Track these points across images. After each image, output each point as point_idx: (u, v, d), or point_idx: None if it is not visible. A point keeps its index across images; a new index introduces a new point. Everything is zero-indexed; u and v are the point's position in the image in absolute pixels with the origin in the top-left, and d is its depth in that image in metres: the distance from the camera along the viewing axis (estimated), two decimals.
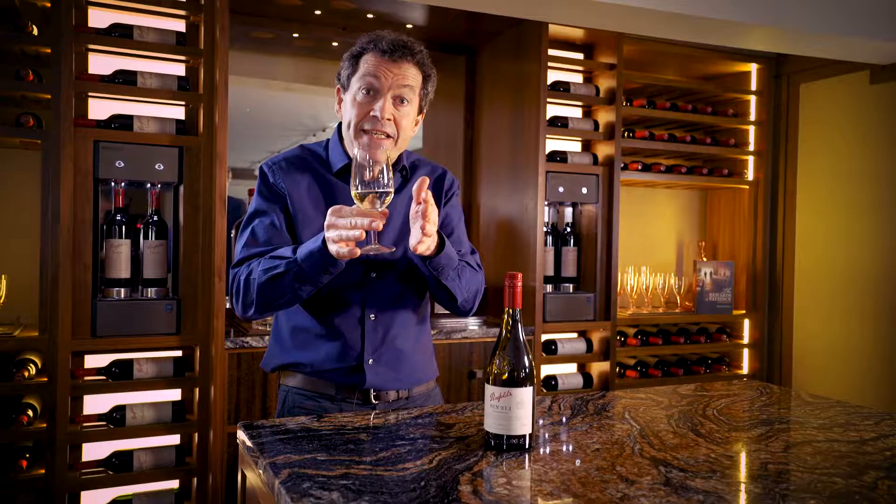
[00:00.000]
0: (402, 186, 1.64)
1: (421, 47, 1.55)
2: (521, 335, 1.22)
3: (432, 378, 1.68)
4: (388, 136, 1.51)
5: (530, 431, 1.20)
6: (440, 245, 1.43)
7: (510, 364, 1.19)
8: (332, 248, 1.32)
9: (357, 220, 1.27)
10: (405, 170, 1.65)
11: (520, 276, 1.24)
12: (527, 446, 1.20)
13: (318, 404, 1.55)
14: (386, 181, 1.30)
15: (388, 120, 1.50)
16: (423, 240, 1.34)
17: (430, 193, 1.34)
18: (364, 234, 1.28)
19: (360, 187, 1.30)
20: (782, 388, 1.82)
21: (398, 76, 1.50)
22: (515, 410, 1.18)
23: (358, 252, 1.32)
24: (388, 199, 1.32)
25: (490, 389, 1.20)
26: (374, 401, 1.55)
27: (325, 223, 1.32)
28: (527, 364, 1.20)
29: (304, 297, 1.44)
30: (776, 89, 3.80)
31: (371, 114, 1.50)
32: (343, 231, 1.29)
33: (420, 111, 1.60)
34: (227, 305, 2.63)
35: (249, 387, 2.54)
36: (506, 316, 1.23)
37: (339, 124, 1.65)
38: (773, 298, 3.82)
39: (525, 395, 1.18)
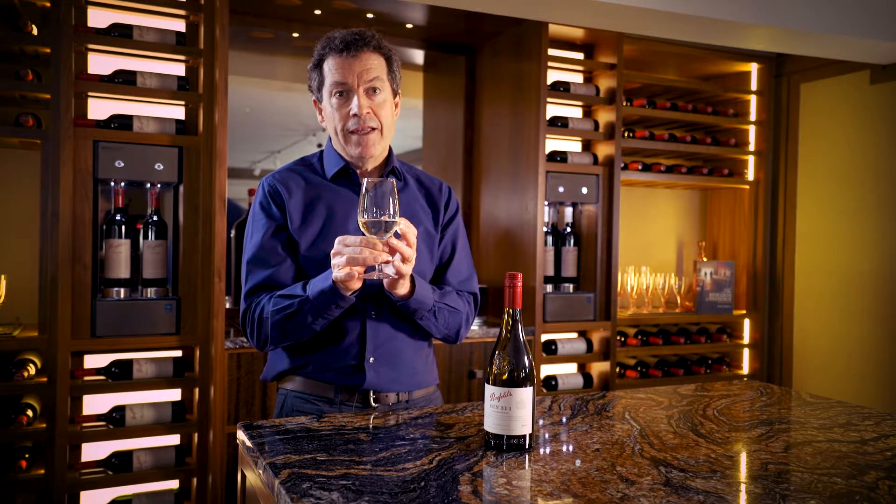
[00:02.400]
0: (400, 190, 1.64)
1: (373, 32, 1.56)
2: (521, 335, 1.22)
3: (433, 384, 1.67)
4: (373, 129, 1.54)
5: (530, 431, 1.20)
6: (412, 288, 1.47)
7: (510, 364, 1.19)
8: (337, 274, 1.35)
9: (366, 250, 1.32)
10: (397, 172, 1.65)
11: (520, 276, 1.24)
12: (527, 446, 1.20)
13: (317, 407, 1.54)
14: (392, 211, 1.32)
15: (368, 114, 1.53)
16: (398, 282, 1.41)
17: (411, 232, 1.38)
18: (370, 260, 1.32)
19: (366, 216, 1.32)
20: (782, 388, 1.82)
21: (362, 70, 1.52)
22: (515, 410, 1.18)
23: (361, 282, 1.37)
24: (394, 230, 1.34)
25: (490, 389, 1.19)
26: (373, 403, 1.54)
27: (332, 252, 1.36)
28: (527, 364, 1.20)
29: (318, 330, 1.48)
30: (776, 89, 3.80)
31: (350, 113, 1.53)
32: (350, 255, 1.32)
33: (395, 94, 1.62)
34: (227, 305, 2.63)
35: (249, 387, 2.54)
36: (506, 316, 1.23)
37: None
38: (773, 298, 3.82)
39: (525, 395, 1.18)
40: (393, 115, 1.61)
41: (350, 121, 1.53)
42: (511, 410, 1.18)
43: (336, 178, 1.60)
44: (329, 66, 1.54)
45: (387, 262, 1.35)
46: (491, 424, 1.19)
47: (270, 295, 1.50)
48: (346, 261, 1.32)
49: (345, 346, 1.53)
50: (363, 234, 1.35)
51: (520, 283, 1.24)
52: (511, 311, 1.22)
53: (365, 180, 1.33)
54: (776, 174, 3.82)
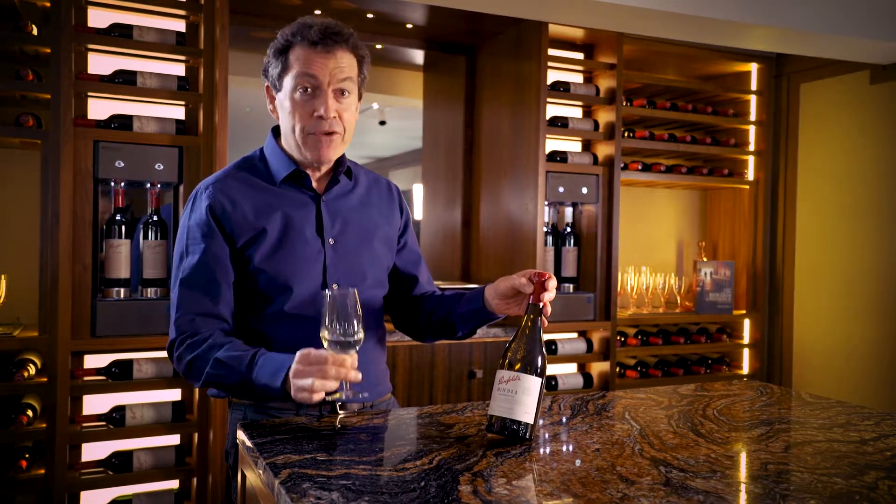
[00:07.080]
0: (352, 189, 1.58)
1: (350, 30, 1.46)
2: (540, 330, 1.27)
3: (390, 390, 1.64)
4: (336, 133, 1.45)
5: (531, 422, 1.21)
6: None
7: (525, 351, 1.23)
8: (300, 395, 1.23)
9: (332, 369, 1.21)
10: (350, 172, 1.58)
11: (548, 275, 1.30)
12: (527, 436, 1.21)
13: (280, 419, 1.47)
14: (357, 327, 1.27)
15: (335, 117, 1.43)
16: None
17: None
18: (338, 384, 1.23)
19: (329, 333, 1.26)
20: (782, 388, 1.82)
21: (335, 69, 1.42)
22: (521, 396, 1.20)
23: (320, 398, 1.24)
24: (359, 346, 1.28)
25: (500, 374, 1.23)
26: (339, 411, 1.48)
27: (293, 369, 1.24)
28: (539, 357, 1.24)
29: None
30: (776, 89, 3.80)
31: (315, 114, 1.42)
32: (319, 381, 1.20)
33: (359, 97, 1.51)
34: None
35: None
36: (530, 309, 1.28)
37: (274, 129, 1.56)
38: (773, 298, 3.82)
39: (533, 383, 1.21)
40: (355, 119, 1.50)
41: (313, 122, 1.42)
42: (517, 395, 1.20)
43: (286, 182, 1.50)
44: (298, 55, 1.43)
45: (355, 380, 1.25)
46: (495, 408, 1.22)
47: (210, 342, 1.37)
48: (316, 386, 1.20)
49: None
50: (326, 330, 1.27)
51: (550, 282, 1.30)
52: (534, 306, 1.28)
53: (327, 292, 1.27)
54: (776, 174, 3.82)
